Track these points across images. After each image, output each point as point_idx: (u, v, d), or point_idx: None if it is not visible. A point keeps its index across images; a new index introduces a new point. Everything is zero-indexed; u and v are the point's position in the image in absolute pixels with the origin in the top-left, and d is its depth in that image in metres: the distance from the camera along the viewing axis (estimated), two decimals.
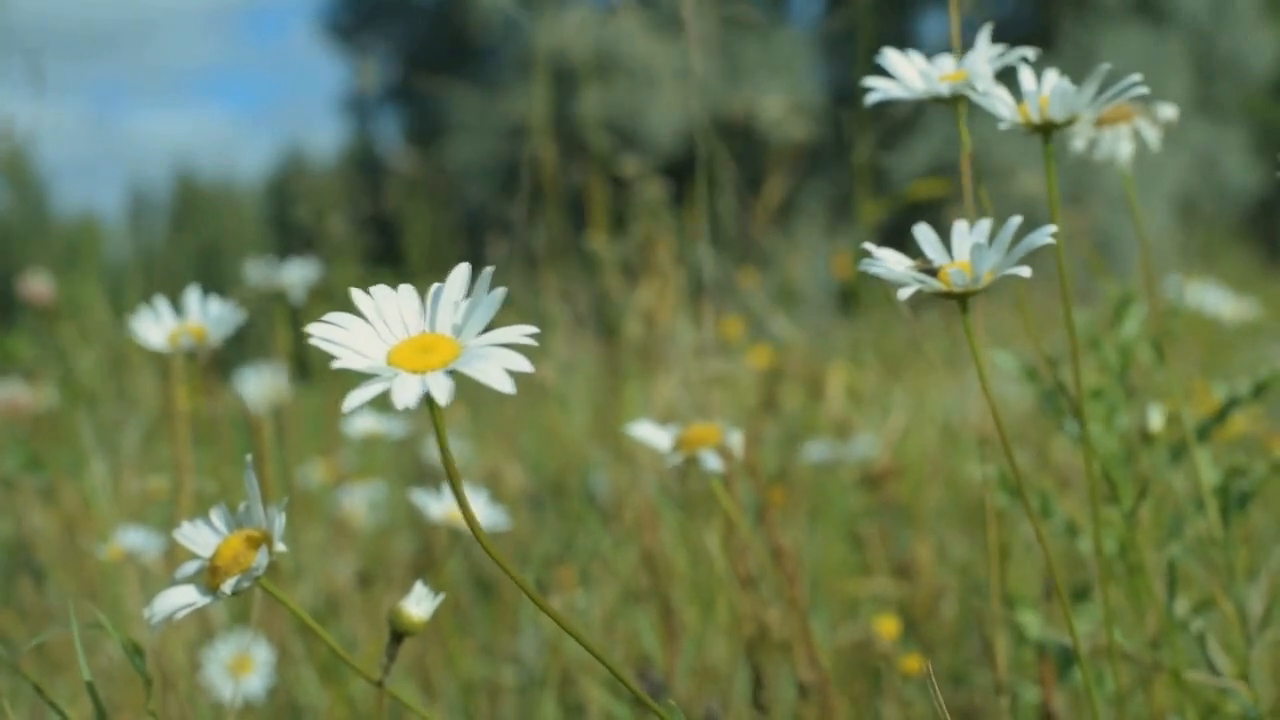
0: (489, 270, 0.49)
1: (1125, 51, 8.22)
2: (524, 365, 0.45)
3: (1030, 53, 0.67)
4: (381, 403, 0.47)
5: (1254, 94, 9.42)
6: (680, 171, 2.25)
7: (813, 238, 7.41)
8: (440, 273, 0.51)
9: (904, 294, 0.55)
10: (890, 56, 0.69)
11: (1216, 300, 1.71)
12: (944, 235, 0.59)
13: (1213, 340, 2.00)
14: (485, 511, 1.06)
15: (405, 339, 0.49)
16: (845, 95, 8.90)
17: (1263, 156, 9.32)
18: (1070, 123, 0.64)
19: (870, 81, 0.68)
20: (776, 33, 9.37)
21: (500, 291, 0.48)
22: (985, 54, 0.68)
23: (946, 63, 0.69)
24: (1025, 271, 0.54)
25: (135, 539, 1.15)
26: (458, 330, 0.49)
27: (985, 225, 0.58)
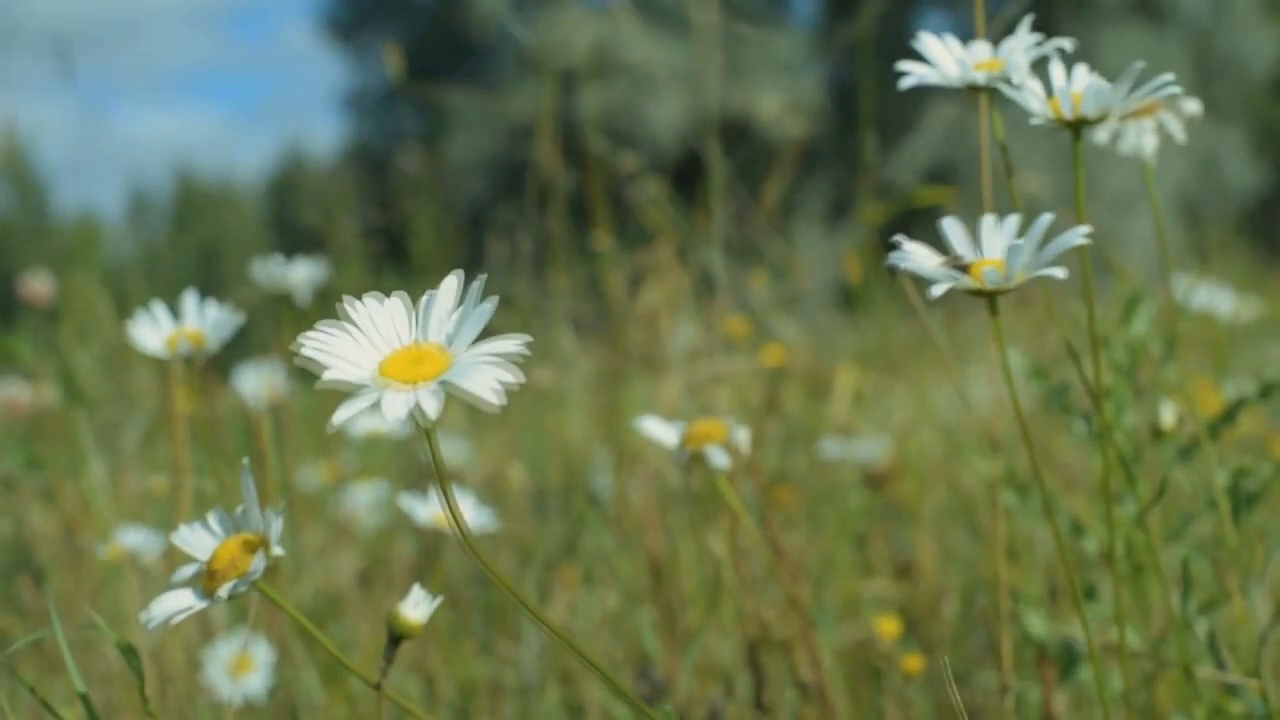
0: (480, 280, 0.48)
1: (1125, 51, 8.22)
2: (514, 378, 0.45)
3: (1067, 44, 0.66)
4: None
5: (1254, 94, 9.42)
6: (680, 170, 2.25)
7: (813, 237, 7.41)
8: (443, 272, 0.51)
9: (936, 291, 0.54)
10: (927, 41, 0.68)
11: (1217, 299, 1.71)
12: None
13: (1213, 339, 2.00)
14: (473, 513, 1.05)
15: (397, 350, 0.49)
16: (846, 94, 8.90)
17: (1263, 156, 9.31)
18: (1102, 119, 0.63)
19: (905, 66, 0.67)
20: (776, 32, 9.37)
21: (491, 303, 0.47)
22: (1023, 44, 0.67)
23: (982, 51, 0.69)
24: (1060, 273, 0.53)
25: (135, 539, 1.15)
26: (449, 341, 0.48)
27: (1014, 221, 0.58)
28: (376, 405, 0.45)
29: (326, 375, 0.46)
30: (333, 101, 12.16)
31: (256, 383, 1.49)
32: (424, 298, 0.50)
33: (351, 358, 0.48)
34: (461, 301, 0.49)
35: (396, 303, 0.50)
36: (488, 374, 0.45)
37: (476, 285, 0.48)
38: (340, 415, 0.44)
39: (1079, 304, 0.97)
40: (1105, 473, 0.64)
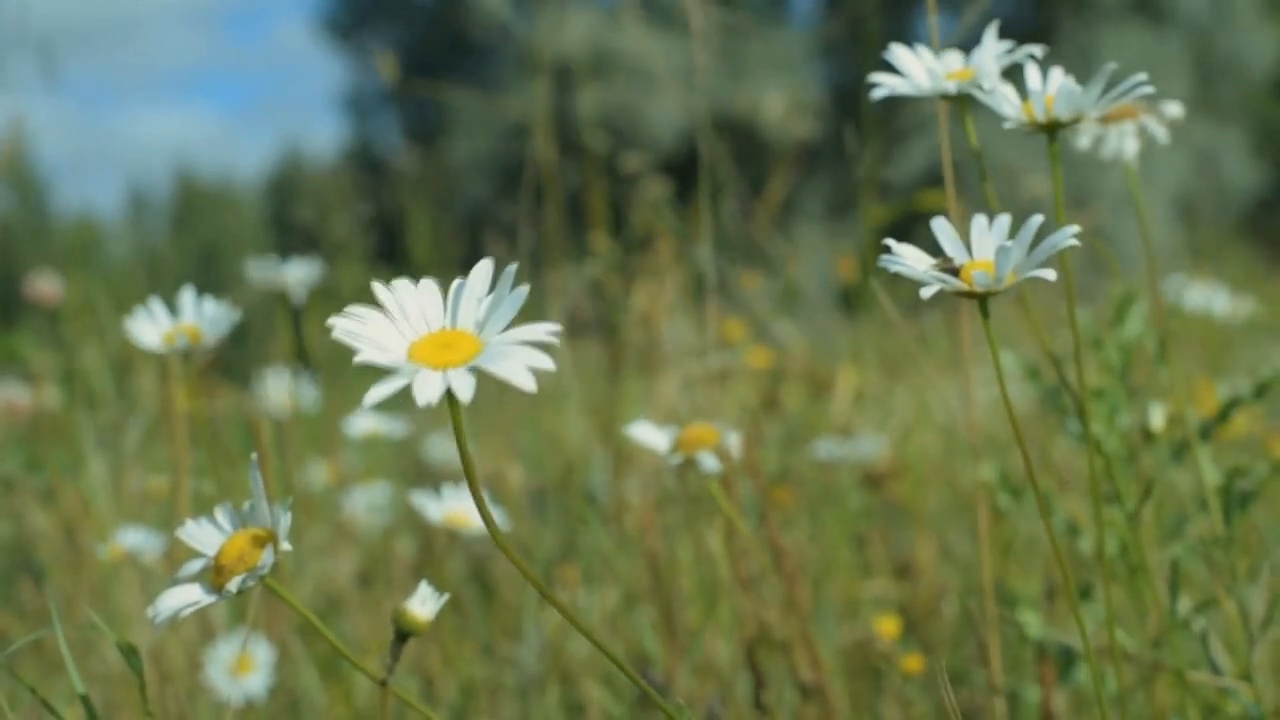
0: (512, 267, 0.49)
1: (1125, 51, 8.22)
2: (546, 363, 0.45)
3: (1037, 50, 0.67)
4: (383, 402, 0.47)
5: (1254, 94, 9.43)
6: (680, 169, 2.25)
7: (812, 237, 7.41)
8: (442, 272, 0.51)
9: (926, 293, 0.54)
10: (897, 52, 0.69)
11: (1217, 299, 1.72)
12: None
13: (1213, 339, 2.00)
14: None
15: (426, 334, 0.49)
16: (845, 95, 8.90)
17: (1263, 156, 9.31)
18: (1075, 121, 0.63)
19: (876, 78, 0.68)
20: (777, 32, 9.37)
21: (524, 289, 0.48)
22: (992, 51, 0.68)
23: (953, 59, 0.69)
24: (1050, 274, 0.53)
25: (135, 539, 1.15)
26: (479, 326, 0.49)
27: (1005, 222, 0.58)
28: (408, 388, 0.46)
29: (357, 358, 0.47)
30: (331, 101, 12.16)
31: (276, 390, 1.50)
32: (454, 284, 0.50)
33: (382, 341, 0.49)
34: (492, 289, 0.49)
35: (427, 288, 0.51)
36: (520, 358, 0.45)
37: (509, 271, 0.49)
38: (373, 396, 0.45)
39: (1077, 306, 0.98)
40: (1093, 475, 0.64)
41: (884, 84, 0.67)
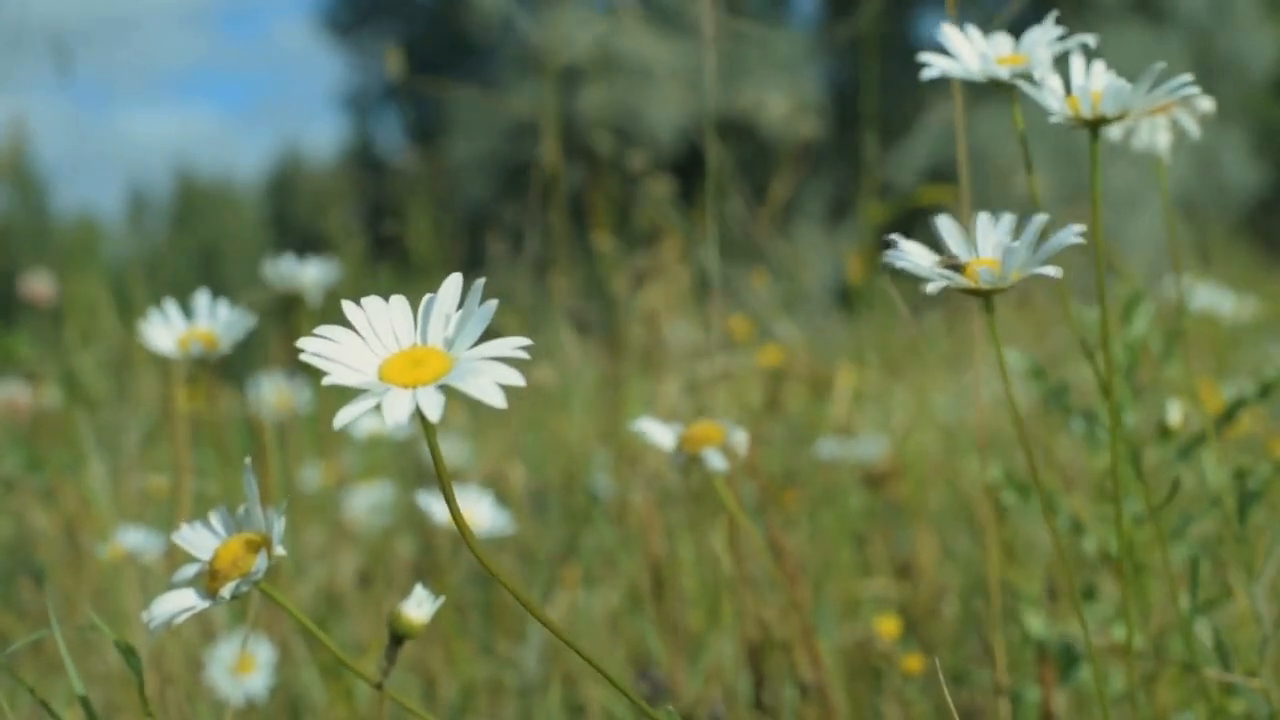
0: (480, 282, 0.48)
1: (1125, 51, 8.22)
2: (515, 379, 0.45)
3: (1091, 39, 0.66)
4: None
5: (1254, 94, 9.42)
6: (680, 169, 2.25)
7: (813, 236, 7.42)
8: (443, 272, 0.51)
9: (931, 289, 0.54)
10: (949, 33, 0.67)
11: (1217, 299, 1.71)
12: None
13: (1213, 339, 2.00)
14: (491, 515, 1.05)
15: (397, 352, 0.49)
16: (846, 95, 8.90)
17: (1263, 156, 9.31)
18: (1120, 118, 0.62)
19: (927, 57, 0.67)
20: (777, 32, 9.37)
21: (491, 304, 0.48)
22: (1046, 37, 0.67)
23: (1003, 44, 0.68)
24: (1055, 272, 0.53)
25: (135, 539, 1.15)
26: (449, 343, 0.49)
27: (1009, 221, 0.57)
28: (378, 408, 0.45)
29: (327, 379, 0.47)
30: (331, 101, 12.16)
31: (271, 392, 1.49)
32: (424, 300, 0.50)
33: (352, 361, 0.48)
34: (462, 303, 0.49)
35: (397, 305, 0.50)
36: (489, 375, 0.45)
37: (477, 286, 0.48)
38: (342, 418, 0.45)
39: (1079, 304, 0.97)
40: (1114, 470, 0.64)
41: (935, 64, 0.66)
